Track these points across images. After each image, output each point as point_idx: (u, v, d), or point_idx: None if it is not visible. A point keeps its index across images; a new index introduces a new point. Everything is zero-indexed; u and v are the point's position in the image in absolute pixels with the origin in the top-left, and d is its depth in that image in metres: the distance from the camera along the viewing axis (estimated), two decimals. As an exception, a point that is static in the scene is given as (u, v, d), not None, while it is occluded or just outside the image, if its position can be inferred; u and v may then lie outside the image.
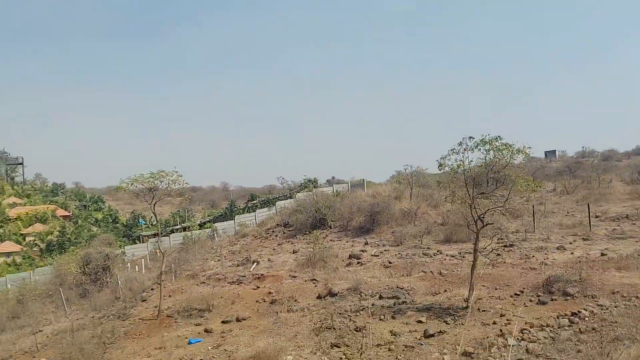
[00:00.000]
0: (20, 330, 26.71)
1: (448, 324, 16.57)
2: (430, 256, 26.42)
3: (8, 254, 57.33)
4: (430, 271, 23.43)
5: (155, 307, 26.07)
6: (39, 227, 63.91)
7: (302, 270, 27.78)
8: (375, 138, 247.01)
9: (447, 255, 26.37)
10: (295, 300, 22.53)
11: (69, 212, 75.33)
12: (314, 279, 25.23)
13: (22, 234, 63.70)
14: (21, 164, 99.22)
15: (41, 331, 26.40)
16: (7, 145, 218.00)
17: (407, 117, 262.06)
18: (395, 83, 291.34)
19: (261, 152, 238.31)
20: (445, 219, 33.03)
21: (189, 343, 20.12)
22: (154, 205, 24.63)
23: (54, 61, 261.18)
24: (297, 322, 19.71)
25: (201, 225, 50.49)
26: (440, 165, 17.70)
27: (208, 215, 62.22)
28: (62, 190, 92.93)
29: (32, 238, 62.03)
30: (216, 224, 47.42)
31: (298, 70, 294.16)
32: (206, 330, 21.12)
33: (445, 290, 20.59)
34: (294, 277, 26.83)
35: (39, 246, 60.45)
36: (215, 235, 44.69)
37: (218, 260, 34.85)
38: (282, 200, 48.69)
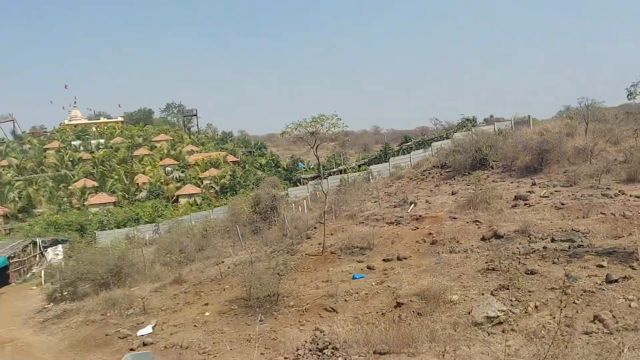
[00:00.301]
0: (206, 260, 30.22)
1: (634, 269, 14.93)
2: (611, 197, 23.79)
3: (190, 195, 64.85)
4: (611, 213, 21.14)
5: (319, 244, 27.52)
6: (213, 172, 70.86)
7: (463, 211, 26.98)
8: (536, 73, 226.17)
9: (630, 195, 23.50)
10: (457, 242, 22.05)
11: (237, 157, 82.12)
12: (477, 221, 24.37)
13: (199, 178, 71.17)
14: (195, 115, 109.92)
15: (223, 262, 29.58)
16: (184, 99, 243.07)
17: (573, 47, 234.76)
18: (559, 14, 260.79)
19: (411, 94, 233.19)
20: (628, 156, 29.32)
21: (353, 278, 21.00)
22: (316, 148, 25.50)
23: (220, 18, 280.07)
24: (461, 263, 19.33)
25: (357, 168, 51.54)
26: (630, 94, 15.46)
27: (362, 159, 63.21)
28: (230, 138, 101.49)
29: (208, 181, 69.08)
30: (371, 167, 48.09)
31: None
32: (368, 267, 21.80)
33: (629, 234, 18.49)
34: (454, 218, 26.18)
35: (214, 188, 67.17)
36: (370, 177, 45.36)
37: (375, 202, 35.41)
38: (438, 141, 47.41)
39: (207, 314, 20.70)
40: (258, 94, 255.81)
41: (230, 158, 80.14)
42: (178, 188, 67.43)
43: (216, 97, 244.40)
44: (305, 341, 15.56)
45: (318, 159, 28.02)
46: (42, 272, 37.65)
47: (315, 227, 31.63)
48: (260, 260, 27.84)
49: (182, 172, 73.52)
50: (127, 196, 65.35)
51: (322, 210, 27.15)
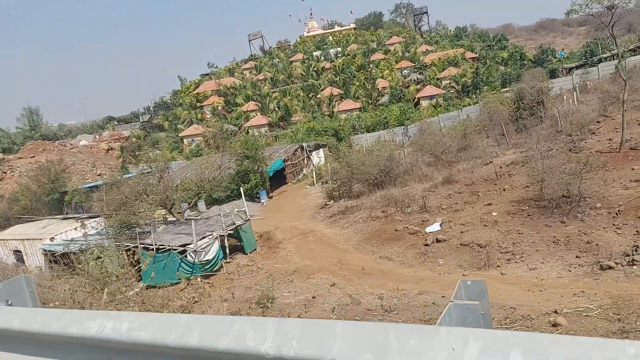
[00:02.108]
0: (471, 160, 29.32)
1: None
2: None
3: (431, 97, 63.64)
4: None
5: (610, 139, 24.27)
6: (452, 71, 67.83)
7: None
8: None
9: None
10: None
11: (476, 53, 77.04)
12: None
13: (438, 78, 69.04)
14: (426, 12, 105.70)
15: (491, 162, 28.33)
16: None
17: None
18: None
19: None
20: None
21: (674, 178, 17.86)
22: (612, 26, 21.52)
23: None
24: None
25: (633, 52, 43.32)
26: None
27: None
28: (465, 34, 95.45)
29: (447, 81, 66.64)
30: (658, 48, 39.91)
31: None
32: (693, 165, 18.27)
33: None
34: None
35: (455, 88, 64.64)
36: (658, 61, 37.69)
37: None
38: None
39: (493, 214, 20.04)
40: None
41: (469, 55, 75.48)
42: (418, 90, 66.72)
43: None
44: (637, 246, 13.72)
45: (615, 39, 23.75)
46: (313, 173, 41.68)
47: (597, 122, 27.89)
48: (533, 158, 25.84)
49: (420, 73, 72.12)
50: (370, 101, 67.33)
51: (622, 98, 23.31)
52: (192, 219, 21.71)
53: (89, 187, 45.69)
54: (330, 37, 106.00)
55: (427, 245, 18.76)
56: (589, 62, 43.61)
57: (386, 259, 18.82)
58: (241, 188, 28.12)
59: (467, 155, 30.25)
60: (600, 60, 44.92)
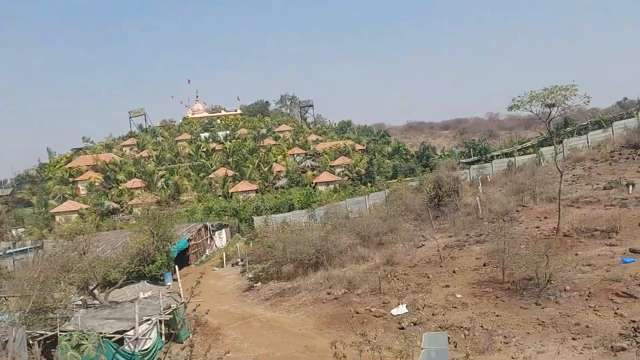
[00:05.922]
0: (404, 243, 29.33)
1: None
2: None
3: (327, 183, 64.96)
4: None
5: (537, 227, 25.86)
6: (346, 160, 70.64)
7: None
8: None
9: None
10: None
11: (363, 146, 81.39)
12: None
13: (331, 166, 71.18)
14: (311, 106, 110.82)
15: (424, 245, 28.66)
16: (297, 91, 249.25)
17: None
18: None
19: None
20: None
21: (622, 262, 19.13)
22: (549, 122, 23.53)
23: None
24: None
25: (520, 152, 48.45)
26: None
27: (518, 143, 59.49)
28: (349, 127, 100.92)
29: (341, 169, 68.96)
30: (542, 149, 44.99)
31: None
32: (632, 251, 19.85)
33: None
34: None
35: (348, 176, 66.83)
36: (542, 160, 42.40)
37: (572, 184, 32.88)
38: (620, 120, 43.39)
39: (457, 295, 19.74)
40: (359, 83, 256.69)
41: (358, 147, 79.59)
42: (314, 176, 67.77)
43: (313, 88, 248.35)
44: (637, 327, 13.96)
45: (551, 133, 26.01)
46: (223, 254, 38.94)
47: (517, 210, 29.78)
48: (465, 243, 26.64)
49: (313, 160, 73.93)
50: (266, 184, 66.66)
51: (559, 189, 25.07)
52: (132, 302, 18.27)
53: None
54: (218, 120, 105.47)
55: (402, 328, 17.62)
56: (482, 158, 47.81)
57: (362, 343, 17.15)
58: (176, 268, 24.87)
59: (396, 238, 30.30)
60: (492, 157, 49.75)
